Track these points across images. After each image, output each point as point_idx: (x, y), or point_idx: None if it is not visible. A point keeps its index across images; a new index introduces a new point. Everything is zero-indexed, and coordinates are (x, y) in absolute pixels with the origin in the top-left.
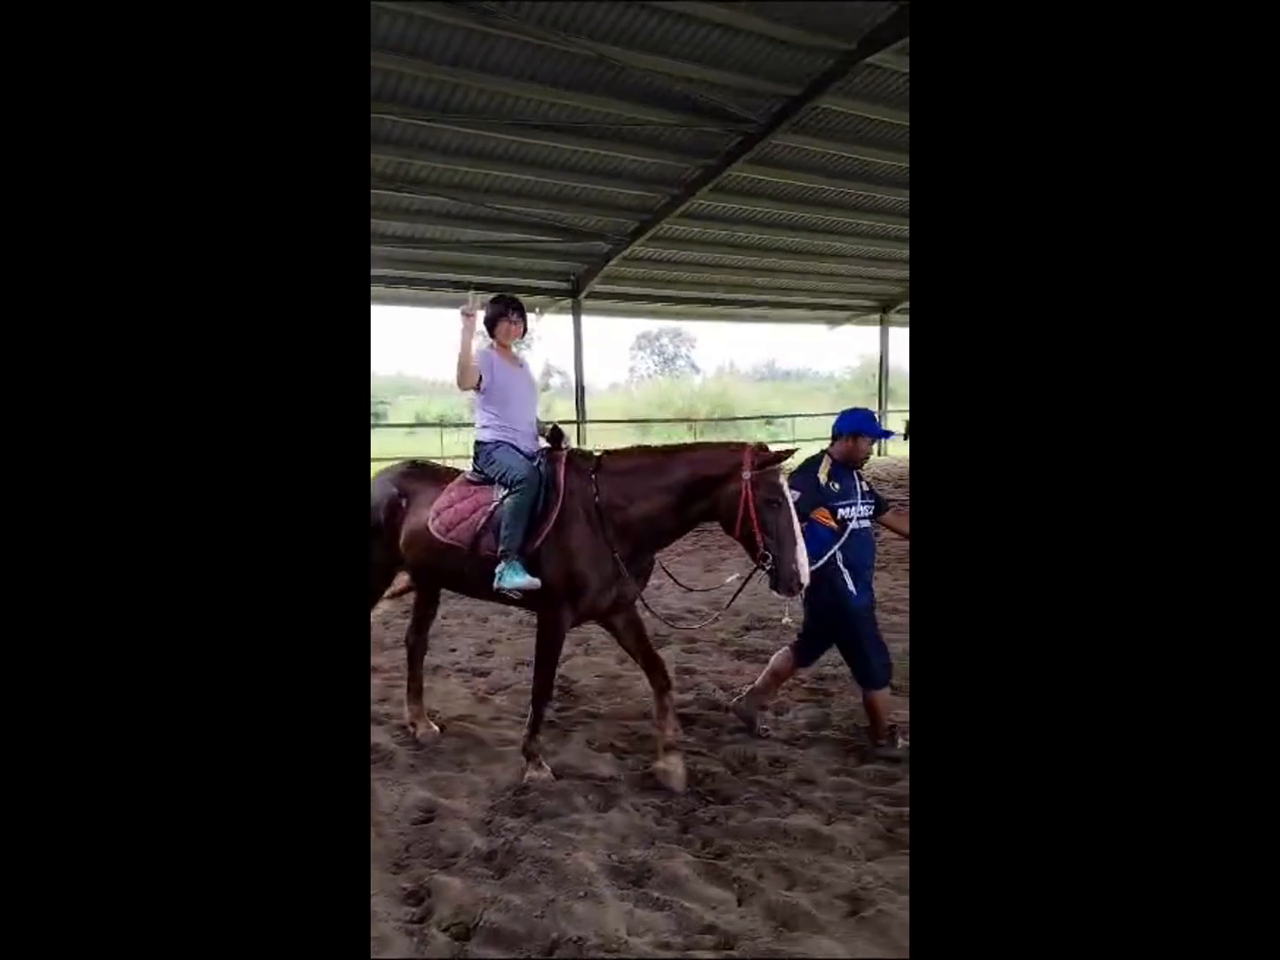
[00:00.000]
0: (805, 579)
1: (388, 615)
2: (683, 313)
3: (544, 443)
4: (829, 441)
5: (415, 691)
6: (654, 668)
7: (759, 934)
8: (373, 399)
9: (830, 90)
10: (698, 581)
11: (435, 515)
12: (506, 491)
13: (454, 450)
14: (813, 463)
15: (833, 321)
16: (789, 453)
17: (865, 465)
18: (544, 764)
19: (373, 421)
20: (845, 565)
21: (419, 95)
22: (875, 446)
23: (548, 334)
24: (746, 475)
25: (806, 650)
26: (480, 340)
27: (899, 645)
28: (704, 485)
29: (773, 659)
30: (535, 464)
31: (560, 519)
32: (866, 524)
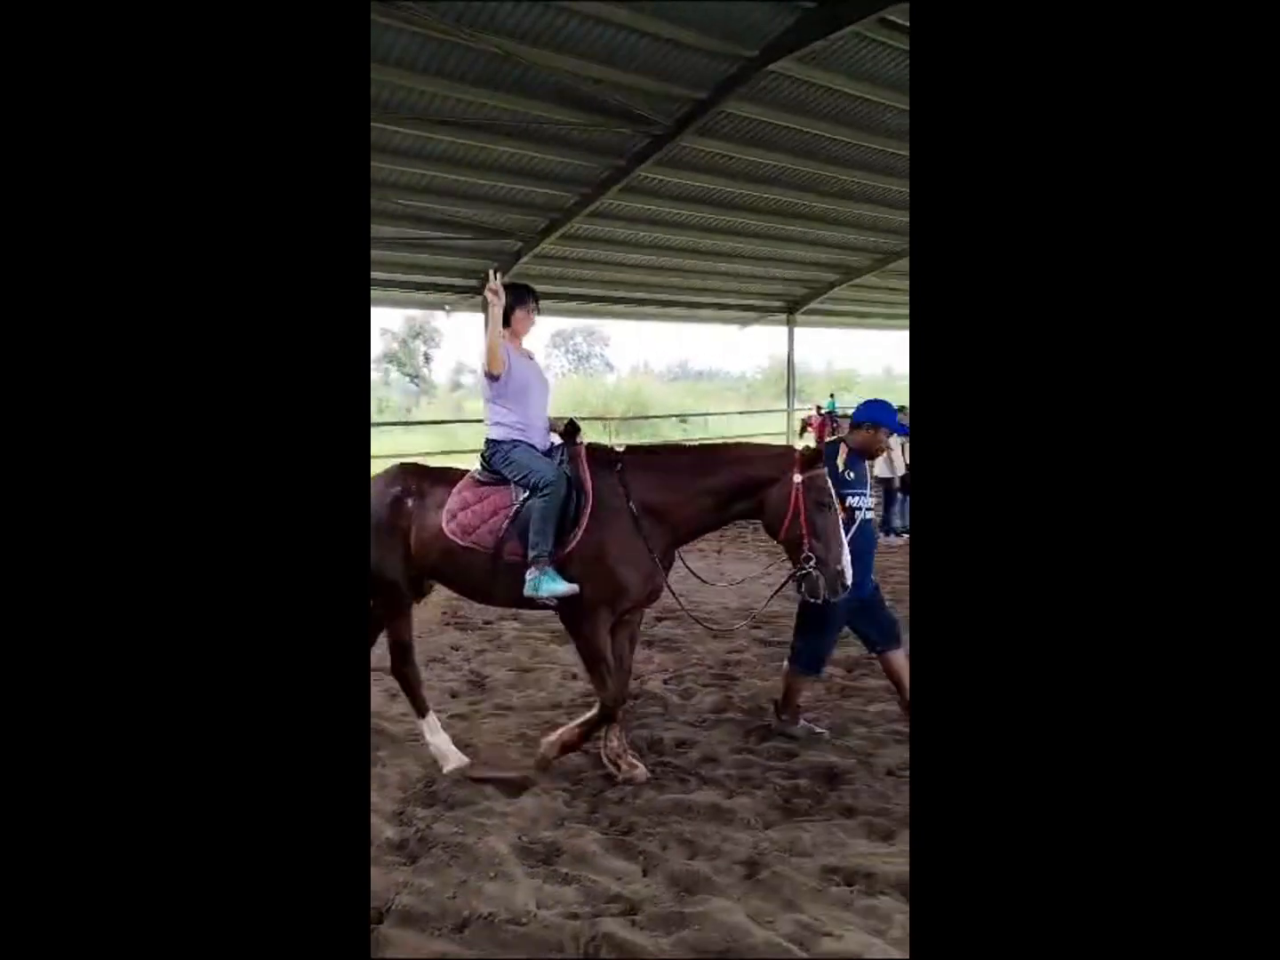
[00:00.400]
0: (849, 580)
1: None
2: (596, 311)
3: (556, 438)
4: (846, 430)
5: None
6: (621, 668)
7: (662, 900)
8: None
9: (734, 95)
10: (722, 578)
11: (450, 517)
12: (529, 494)
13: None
14: (830, 452)
15: (742, 322)
16: (820, 453)
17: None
18: (636, 761)
19: None
20: (851, 553)
21: None
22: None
23: (458, 332)
24: (798, 479)
25: (806, 651)
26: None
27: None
28: (750, 487)
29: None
30: (558, 464)
31: (593, 522)
32: (870, 514)
